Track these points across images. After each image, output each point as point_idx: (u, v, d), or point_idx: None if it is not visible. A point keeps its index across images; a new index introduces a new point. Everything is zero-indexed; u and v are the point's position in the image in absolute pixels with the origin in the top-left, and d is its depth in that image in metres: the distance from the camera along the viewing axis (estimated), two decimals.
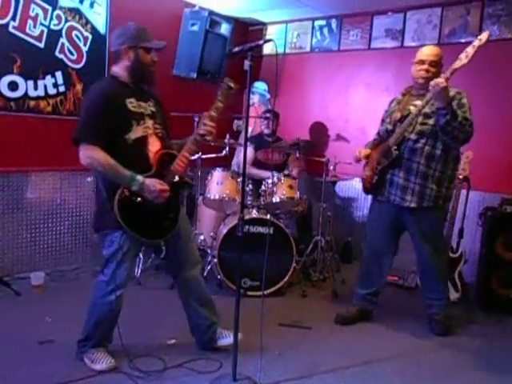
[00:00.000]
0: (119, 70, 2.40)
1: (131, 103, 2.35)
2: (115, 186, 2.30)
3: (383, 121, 3.24)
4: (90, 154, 2.27)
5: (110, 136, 2.28)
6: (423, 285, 3.29)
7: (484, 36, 2.59)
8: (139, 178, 2.28)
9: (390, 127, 3.07)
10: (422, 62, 2.93)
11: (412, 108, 2.80)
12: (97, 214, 2.47)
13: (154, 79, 2.47)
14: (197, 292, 2.63)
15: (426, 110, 2.88)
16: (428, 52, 2.93)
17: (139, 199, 2.33)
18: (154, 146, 2.41)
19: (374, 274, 3.26)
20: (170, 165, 2.41)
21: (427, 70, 2.90)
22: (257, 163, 4.38)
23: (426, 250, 3.09)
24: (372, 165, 3.11)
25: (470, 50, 2.62)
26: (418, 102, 2.88)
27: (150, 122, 2.41)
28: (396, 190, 3.01)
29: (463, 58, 2.63)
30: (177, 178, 2.43)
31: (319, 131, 5.07)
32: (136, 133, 2.34)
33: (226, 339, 2.63)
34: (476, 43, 2.60)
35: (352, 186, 4.82)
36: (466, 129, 2.77)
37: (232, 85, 2.39)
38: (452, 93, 2.84)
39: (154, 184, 2.31)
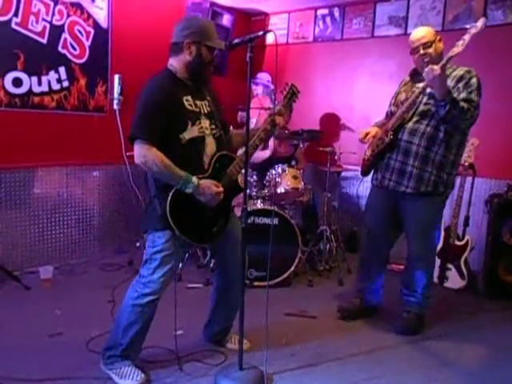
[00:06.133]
0: (177, 64, 2.28)
1: (187, 101, 2.26)
2: (166, 185, 2.20)
3: (391, 103, 3.12)
4: (145, 153, 2.15)
5: (164, 135, 2.18)
6: (404, 276, 3.08)
7: (480, 23, 2.49)
8: (194, 180, 2.19)
9: (393, 109, 2.96)
10: (415, 49, 2.81)
11: (416, 89, 2.69)
12: (144, 214, 2.35)
13: (210, 78, 2.39)
14: (231, 295, 2.58)
15: (431, 89, 2.71)
16: (416, 38, 2.81)
17: (191, 201, 2.23)
18: (210, 147, 2.32)
19: (373, 264, 3.15)
20: (227, 167, 2.35)
21: (425, 54, 2.77)
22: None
23: (416, 241, 2.93)
24: (372, 147, 3.00)
25: (466, 38, 2.52)
26: (421, 84, 2.73)
27: (206, 122, 2.32)
28: (392, 174, 2.87)
29: (460, 46, 2.53)
30: (231, 182, 2.36)
31: (323, 121, 5.06)
32: (191, 133, 2.25)
33: (235, 346, 2.60)
34: (473, 30, 2.51)
35: (357, 176, 4.79)
36: (470, 114, 2.61)
37: (297, 90, 2.41)
38: (461, 72, 2.76)
39: (210, 186, 2.23)
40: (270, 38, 5.34)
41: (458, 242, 3.75)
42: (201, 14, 4.41)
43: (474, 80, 2.72)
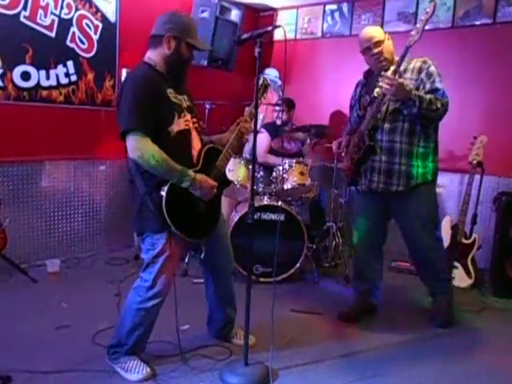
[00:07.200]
0: (155, 57, 2.25)
1: (171, 93, 2.22)
2: (157, 182, 2.14)
3: (352, 108, 3.14)
4: (141, 146, 2.07)
5: (155, 127, 2.13)
6: (422, 273, 3.13)
7: (430, 8, 2.53)
8: (191, 173, 2.15)
9: (360, 112, 2.96)
10: (367, 49, 2.82)
11: (378, 90, 2.67)
12: (136, 215, 2.24)
13: (186, 76, 2.35)
14: (225, 290, 2.61)
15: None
16: (366, 38, 2.83)
17: (186, 196, 2.19)
18: (195, 141, 2.31)
19: (367, 270, 3.15)
20: (215, 161, 2.34)
21: (377, 53, 2.80)
22: (271, 152, 4.37)
23: (424, 235, 2.92)
24: (349, 155, 3.00)
25: (419, 26, 2.55)
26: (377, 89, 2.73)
27: (188, 116, 2.29)
28: (379, 175, 2.87)
29: (415, 34, 2.56)
30: (220, 175, 2.36)
31: (331, 117, 5.04)
32: (178, 125, 2.21)
33: (240, 341, 2.58)
34: (424, 17, 2.54)
35: None
36: (440, 102, 2.65)
37: (268, 82, 2.50)
38: (418, 63, 2.80)
39: (206, 180, 2.22)
40: (277, 34, 5.31)
41: (465, 240, 3.73)
42: (209, 9, 4.39)
43: (432, 68, 2.77)
